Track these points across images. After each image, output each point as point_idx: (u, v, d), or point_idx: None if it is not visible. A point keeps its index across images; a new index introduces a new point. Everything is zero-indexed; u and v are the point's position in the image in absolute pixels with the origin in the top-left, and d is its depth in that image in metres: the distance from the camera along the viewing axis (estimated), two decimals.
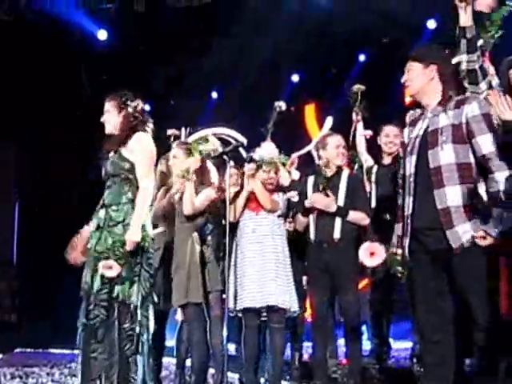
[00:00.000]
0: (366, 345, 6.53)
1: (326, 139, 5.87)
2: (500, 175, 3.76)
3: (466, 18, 4.20)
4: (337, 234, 5.57)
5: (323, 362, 5.66)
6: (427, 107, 4.06)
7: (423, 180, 3.93)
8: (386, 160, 6.31)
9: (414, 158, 3.99)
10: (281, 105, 6.31)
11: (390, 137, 6.29)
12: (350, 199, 5.62)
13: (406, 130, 4.22)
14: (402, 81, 4.16)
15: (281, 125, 6.38)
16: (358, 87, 6.44)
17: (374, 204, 6.14)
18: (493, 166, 3.78)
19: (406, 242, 4.00)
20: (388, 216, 5.84)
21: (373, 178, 6.24)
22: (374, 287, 6.30)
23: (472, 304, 3.75)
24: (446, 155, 3.85)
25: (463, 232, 3.79)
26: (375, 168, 6.31)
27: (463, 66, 4.25)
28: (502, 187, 3.72)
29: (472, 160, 3.87)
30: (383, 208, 5.95)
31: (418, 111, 4.20)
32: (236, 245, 5.68)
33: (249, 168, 5.69)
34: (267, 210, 5.66)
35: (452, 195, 3.82)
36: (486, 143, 3.82)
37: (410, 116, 4.30)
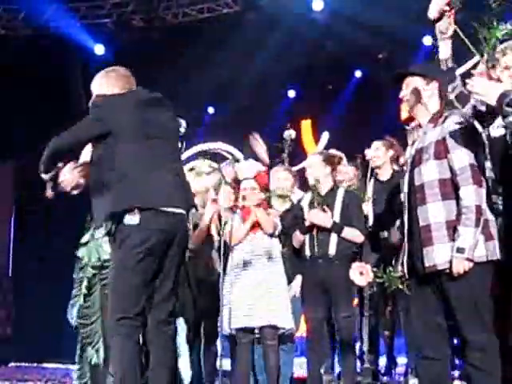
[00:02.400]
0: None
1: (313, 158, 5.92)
2: (464, 190, 3.74)
3: (445, 50, 4.20)
4: (332, 250, 5.57)
5: (318, 378, 5.66)
6: (421, 124, 4.06)
7: (413, 198, 3.94)
8: (382, 176, 6.32)
9: (407, 176, 4.01)
10: (291, 133, 6.37)
11: (370, 153, 6.32)
12: (346, 216, 5.63)
13: (408, 149, 4.22)
14: (401, 95, 4.09)
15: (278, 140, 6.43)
16: (289, 133, 6.51)
17: (370, 221, 6.14)
18: (460, 181, 3.77)
19: (405, 259, 4.00)
20: (385, 233, 5.86)
21: (369, 194, 6.24)
22: (370, 302, 6.29)
23: (459, 321, 3.75)
24: (428, 172, 3.85)
25: (439, 255, 3.77)
26: (371, 184, 6.32)
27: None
28: (466, 203, 3.73)
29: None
30: (379, 225, 5.96)
31: (415, 130, 4.20)
32: (231, 263, 5.69)
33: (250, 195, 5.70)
34: (267, 234, 5.68)
35: (434, 211, 3.81)
36: (458, 158, 3.79)
37: (409, 134, 4.31)
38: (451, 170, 3.80)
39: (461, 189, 3.74)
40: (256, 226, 5.67)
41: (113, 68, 4.36)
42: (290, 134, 6.37)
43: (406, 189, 4.00)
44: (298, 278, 5.82)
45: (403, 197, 4.03)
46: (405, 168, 4.15)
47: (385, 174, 6.26)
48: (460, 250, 3.67)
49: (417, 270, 3.88)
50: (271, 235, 5.66)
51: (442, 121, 3.91)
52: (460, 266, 3.67)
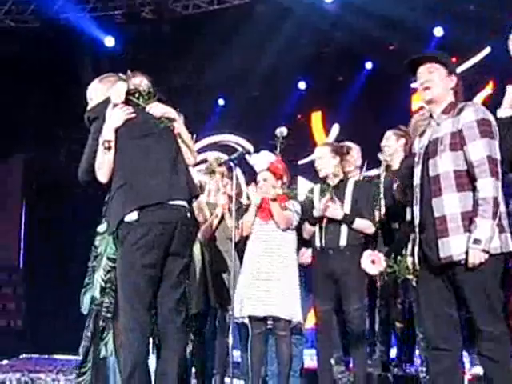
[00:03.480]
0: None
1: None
2: (481, 182, 3.72)
3: None
4: (343, 242, 5.56)
5: (328, 370, 5.65)
6: (434, 114, 4.03)
7: (426, 189, 3.91)
8: (393, 166, 6.28)
9: (420, 168, 3.97)
10: (282, 131, 6.26)
11: (383, 141, 6.30)
12: (356, 207, 5.62)
13: (417, 141, 4.18)
14: (422, 81, 3.99)
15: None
16: (280, 131, 6.39)
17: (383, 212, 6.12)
18: (477, 173, 3.74)
19: (416, 250, 3.97)
20: (397, 225, 5.83)
21: (381, 186, 6.22)
22: (382, 293, 6.27)
23: (473, 313, 3.73)
24: (444, 163, 3.83)
25: (455, 246, 3.76)
26: (383, 176, 6.29)
27: None
28: (483, 195, 3.71)
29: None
30: (391, 216, 5.93)
31: (425, 118, 4.17)
32: (245, 254, 5.71)
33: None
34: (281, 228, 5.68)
35: (449, 203, 3.79)
36: (475, 150, 3.77)
37: (414, 124, 4.26)
38: (467, 161, 3.78)
39: (478, 181, 3.72)
40: (267, 215, 5.68)
41: (106, 75, 4.54)
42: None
43: (418, 180, 3.97)
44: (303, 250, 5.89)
45: (415, 188, 4.01)
46: (416, 159, 4.10)
47: (396, 164, 6.23)
48: (477, 242, 3.66)
49: (429, 261, 3.86)
50: (283, 230, 5.67)
51: (457, 112, 3.88)
52: (476, 258, 3.66)
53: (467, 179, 3.79)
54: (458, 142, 3.81)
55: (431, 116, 4.04)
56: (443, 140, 3.85)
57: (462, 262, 3.71)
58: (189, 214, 4.12)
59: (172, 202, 3.99)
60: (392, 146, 6.16)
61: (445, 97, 3.98)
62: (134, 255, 3.90)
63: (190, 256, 4.20)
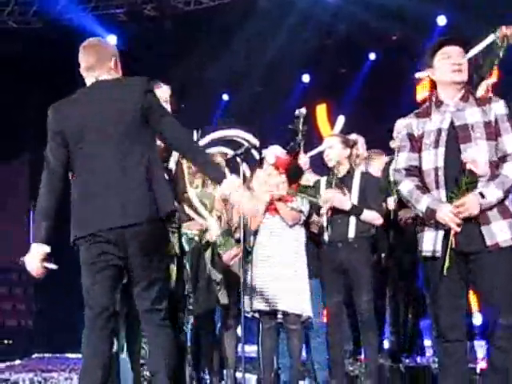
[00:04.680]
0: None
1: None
2: (509, 165, 3.76)
3: None
4: (351, 234, 5.55)
5: (340, 362, 5.65)
6: (445, 100, 3.97)
7: (454, 174, 3.85)
8: None
9: (442, 150, 3.89)
10: (301, 111, 6.25)
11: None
12: (364, 198, 5.62)
13: (414, 122, 4.08)
14: (455, 61, 3.92)
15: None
16: (300, 111, 6.33)
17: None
18: (510, 159, 3.76)
19: (439, 237, 3.90)
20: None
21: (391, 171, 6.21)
22: (394, 280, 6.26)
23: (497, 303, 3.73)
24: (480, 151, 3.81)
25: (499, 230, 3.75)
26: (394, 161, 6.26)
27: None
28: (506, 173, 3.74)
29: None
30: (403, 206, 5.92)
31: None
32: (253, 246, 5.71)
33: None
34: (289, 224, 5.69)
35: (486, 191, 3.78)
36: (510, 141, 3.80)
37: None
38: (498, 151, 3.80)
39: (507, 163, 3.78)
40: (275, 209, 5.69)
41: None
42: (301, 111, 6.23)
43: (441, 163, 3.87)
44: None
45: (436, 171, 3.91)
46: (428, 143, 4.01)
47: None
48: (482, 194, 3.72)
49: (459, 249, 3.80)
50: (291, 226, 5.68)
51: (479, 102, 3.87)
52: (473, 205, 3.70)
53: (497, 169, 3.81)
54: (492, 131, 3.81)
55: (437, 100, 4.00)
56: (475, 127, 3.82)
57: (487, 252, 3.72)
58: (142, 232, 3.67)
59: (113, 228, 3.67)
60: None
61: (465, 84, 3.98)
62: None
63: (156, 251, 3.76)
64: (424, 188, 3.92)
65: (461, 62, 3.94)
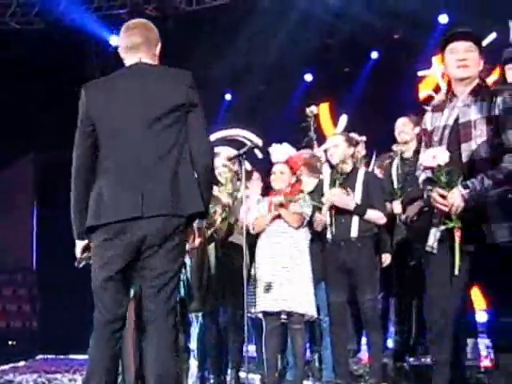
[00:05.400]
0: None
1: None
2: (509, 156, 3.73)
3: None
4: (354, 233, 5.56)
5: (344, 362, 5.65)
6: (458, 95, 3.95)
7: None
8: (407, 153, 6.26)
9: (444, 148, 3.88)
10: (312, 110, 6.32)
11: (398, 128, 6.29)
12: (367, 198, 5.61)
13: (429, 116, 4.08)
14: (461, 57, 3.89)
15: (296, 124, 6.39)
16: (311, 110, 6.44)
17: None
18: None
19: (437, 235, 3.90)
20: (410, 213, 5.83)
21: (394, 173, 6.21)
22: (400, 278, 6.25)
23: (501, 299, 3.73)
24: (479, 150, 3.78)
25: (498, 229, 3.74)
26: (395, 164, 6.26)
27: None
28: (502, 164, 3.71)
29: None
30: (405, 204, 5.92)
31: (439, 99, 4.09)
32: (256, 247, 5.72)
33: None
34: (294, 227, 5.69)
35: (471, 180, 3.76)
36: None
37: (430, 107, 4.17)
38: (502, 146, 3.77)
39: (507, 155, 3.74)
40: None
41: None
42: (311, 110, 6.32)
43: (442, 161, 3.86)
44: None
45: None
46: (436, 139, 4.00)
47: (410, 151, 6.21)
48: (465, 186, 3.70)
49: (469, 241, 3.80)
50: (296, 229, 5.68)
51: (485, 97, 3.84)
52: (455, 199, 3.69)
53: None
54: (494, 127, 3.77)
55: (452, 94, 3.98)
56: (477, 125, 3.80)
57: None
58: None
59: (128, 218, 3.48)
60: (409, 133, 6.17)
61: (475, 78, 3.94)
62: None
63: (173, 249, 3.54)
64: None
65: (465, 58, 3.90)
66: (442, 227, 3.80)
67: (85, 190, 3.60)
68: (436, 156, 3.78)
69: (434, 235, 3.87)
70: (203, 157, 3.61)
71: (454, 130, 3.87)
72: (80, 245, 3.73)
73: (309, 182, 6.12)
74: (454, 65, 3.93)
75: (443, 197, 3.73)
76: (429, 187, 3.87)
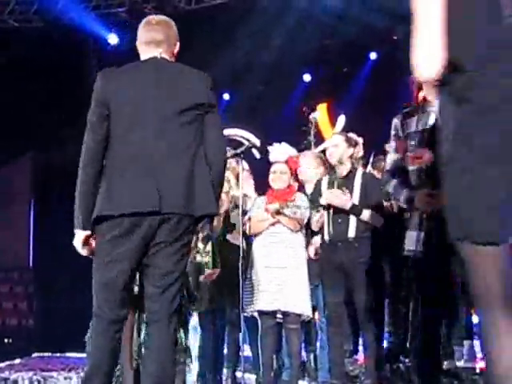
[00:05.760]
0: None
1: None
2: None
3: None
4: (351, 233, 5.55)
5: (340, 362, 5.65)
6: (432, 99, 3.96)
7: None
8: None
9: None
10: (315, 116, 6.38)
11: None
12: (365, 199, 5.61)
13: (399, 123, 4.10)
14: None
15: (294, 124, 6.43)
16: (314, 116, 6.57)
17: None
18: None
19: (421, 237, 3.91)
20: (408, 214, 5.83)
21: None
22: (396, 281, 6.25)
23: None
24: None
25: None
26: None
27: None
28: None
29: None
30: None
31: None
32: (252, 247, 5.72)
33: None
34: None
35: None
36: None
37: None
38: None
39: None
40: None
41: None
42: (314, 116, 6.42)
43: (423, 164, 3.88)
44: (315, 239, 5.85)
45: (420, 174, 3.93)
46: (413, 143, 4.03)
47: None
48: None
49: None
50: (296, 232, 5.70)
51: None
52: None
53: None
54: None
55: (423, 100, 3.99)
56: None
57: None
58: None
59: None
60: None
61: None
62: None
63: (181, 248, 3.50)
64: (407, 184, 3.96)
65: None
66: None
67: (95, 177, 3.51)
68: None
69: (412, 238, 3.89)
70: (219, 158, 3.62)
71: (433, 133, 3.88)
72: (81, 235, 3.55)
73: (314, 174, 6.14)
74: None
75: (431, 196, 3.73)
76: (409, 193, 3.88)
